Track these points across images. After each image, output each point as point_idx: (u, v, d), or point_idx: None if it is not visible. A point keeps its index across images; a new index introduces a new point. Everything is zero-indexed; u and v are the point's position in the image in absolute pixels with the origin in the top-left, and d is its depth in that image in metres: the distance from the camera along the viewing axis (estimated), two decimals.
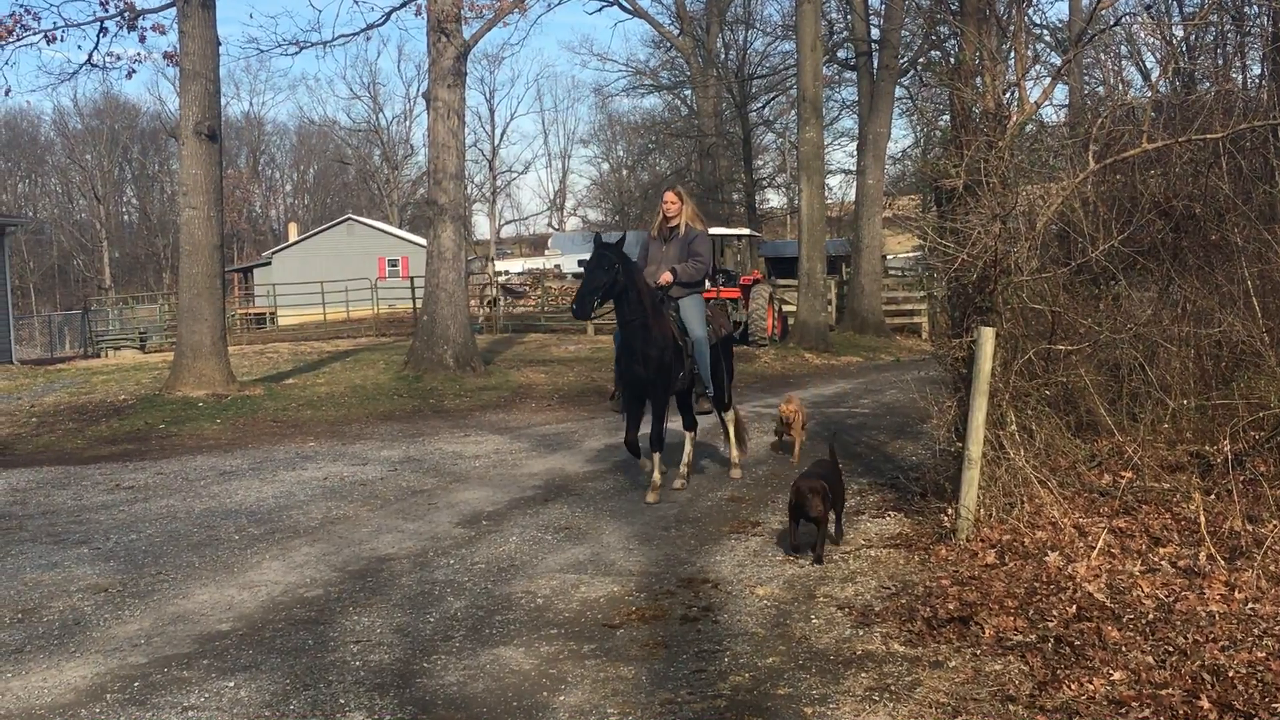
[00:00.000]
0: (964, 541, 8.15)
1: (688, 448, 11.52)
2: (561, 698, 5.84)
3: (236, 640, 6.93)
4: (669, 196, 11.23)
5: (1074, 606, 6.68)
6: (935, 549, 8.23)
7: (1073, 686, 5.63)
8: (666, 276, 10.78)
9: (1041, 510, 8.25)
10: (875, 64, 34.11)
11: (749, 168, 55.16)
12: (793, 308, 30.71)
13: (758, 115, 55.45)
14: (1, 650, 6.90)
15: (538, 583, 7.98)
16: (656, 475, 10.70)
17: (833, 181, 57.15)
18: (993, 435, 8.41)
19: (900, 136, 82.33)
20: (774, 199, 70.69)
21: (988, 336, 8.09)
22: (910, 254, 49.52)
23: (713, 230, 35.03)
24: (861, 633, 6.69)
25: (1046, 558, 7.54)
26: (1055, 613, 6.63)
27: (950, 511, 8.55)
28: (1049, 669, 5.88)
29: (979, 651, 6.24)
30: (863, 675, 6.01)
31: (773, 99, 54.53)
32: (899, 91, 37.13)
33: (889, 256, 47.46)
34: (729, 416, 11.86)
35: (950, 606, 6.88)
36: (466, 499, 11.02)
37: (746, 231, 35.85)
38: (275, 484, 12.18)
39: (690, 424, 11.56)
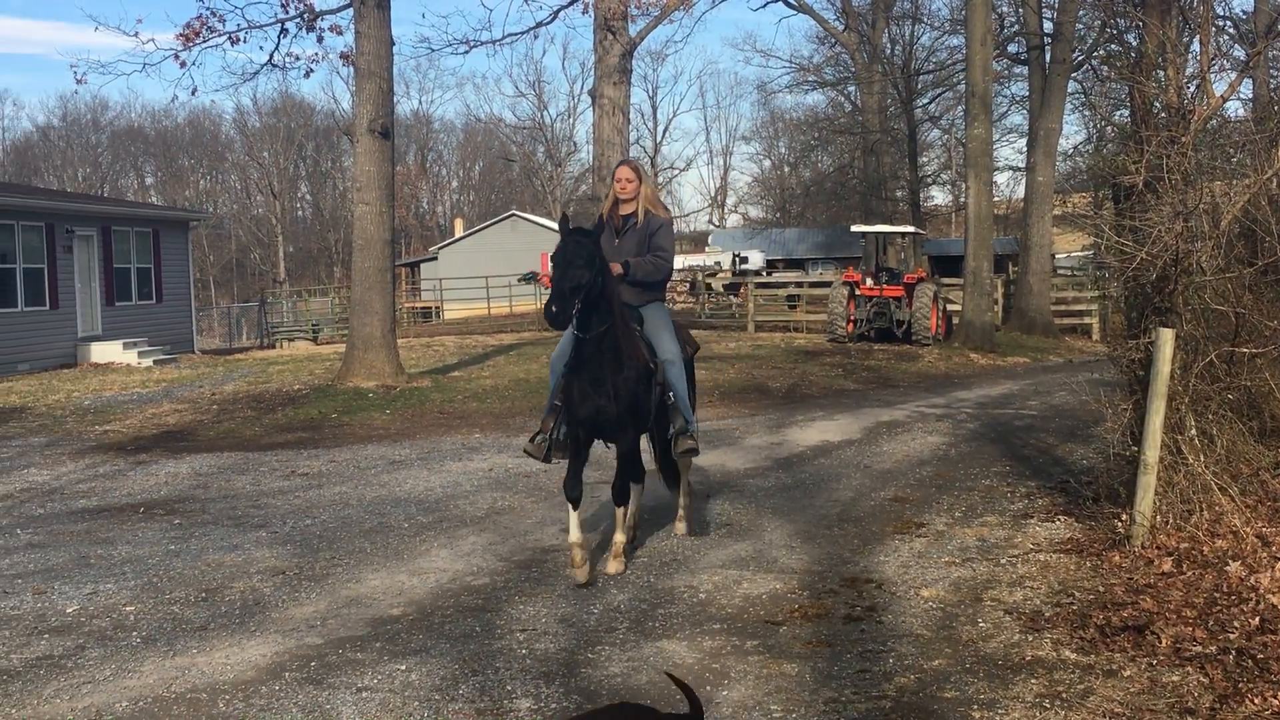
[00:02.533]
0: (1139, 548, 7.92)
1: (631, 506, 8.79)
2: (725, 693, 5.86)
3: (407, 625, 7.10)
4: (623, 173, 8.73)
5: (1257, 618, 6.43)
6: (1108, 555, 8.02)
7: (1255, 701, 5.43)
8: (614, 267, 8.13)
9: (1222, 518, 7.97)
10: (1048, 58, 33.28)
11: (913, 164, 54.35)
12: (957, 307, 30.19)
13: (923, 111, 54.58)
14: (187, 628, 7.20)
15: (699, 578, 8.01)
16: (620, 540, 8.38)
17: (1000, 178, 55.72)
18: (1170, 440, 8.15)
19: (1072, 132, 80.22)
20: (939, 196, 69.66)
21: (1167, 338, 7.85)
22: (1081, 253, 48.24)
23: (876, 228, 34.90)
24: (1031, 638, 6.56)
25: (1227, 567, 7.28)
26: (1237, 624, 6.40)
27: (1124, 517, 8.32)
28: (1230, 682, 5.69)
29: (1155, 661, 6.06)
30: (1032, 681, 5.89)
31: (939, 94, 53.59)
32: (1072, 86, 36.23)
33: (1058, 255, 46.28)
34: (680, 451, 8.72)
35: (1125, 614, 6.70)
36: None
37: (911, 229, 35.42)
38: (442, 474, 12.44)
39: (639, 475, 8.94)
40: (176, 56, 20.78)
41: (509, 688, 5.99)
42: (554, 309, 7.48)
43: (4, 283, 25.93)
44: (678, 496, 9.42)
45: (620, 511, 8.37)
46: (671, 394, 8.33)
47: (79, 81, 24.63)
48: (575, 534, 7.98)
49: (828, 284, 34.57)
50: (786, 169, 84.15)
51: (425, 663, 6.40)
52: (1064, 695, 5.69)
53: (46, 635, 7.11)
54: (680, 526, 9.33)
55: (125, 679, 6.29)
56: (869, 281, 29.62)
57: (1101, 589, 7.36)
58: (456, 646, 6.67)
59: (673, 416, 8.41)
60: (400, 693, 5.97)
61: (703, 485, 11.37)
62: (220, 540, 9.50)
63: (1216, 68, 10.35)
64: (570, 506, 8.07)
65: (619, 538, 8.37)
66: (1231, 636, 6.25)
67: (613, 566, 8.19)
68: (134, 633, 7.12)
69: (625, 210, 8.65)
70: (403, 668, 6.33)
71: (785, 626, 6.89)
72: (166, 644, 6.87)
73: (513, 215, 71.63)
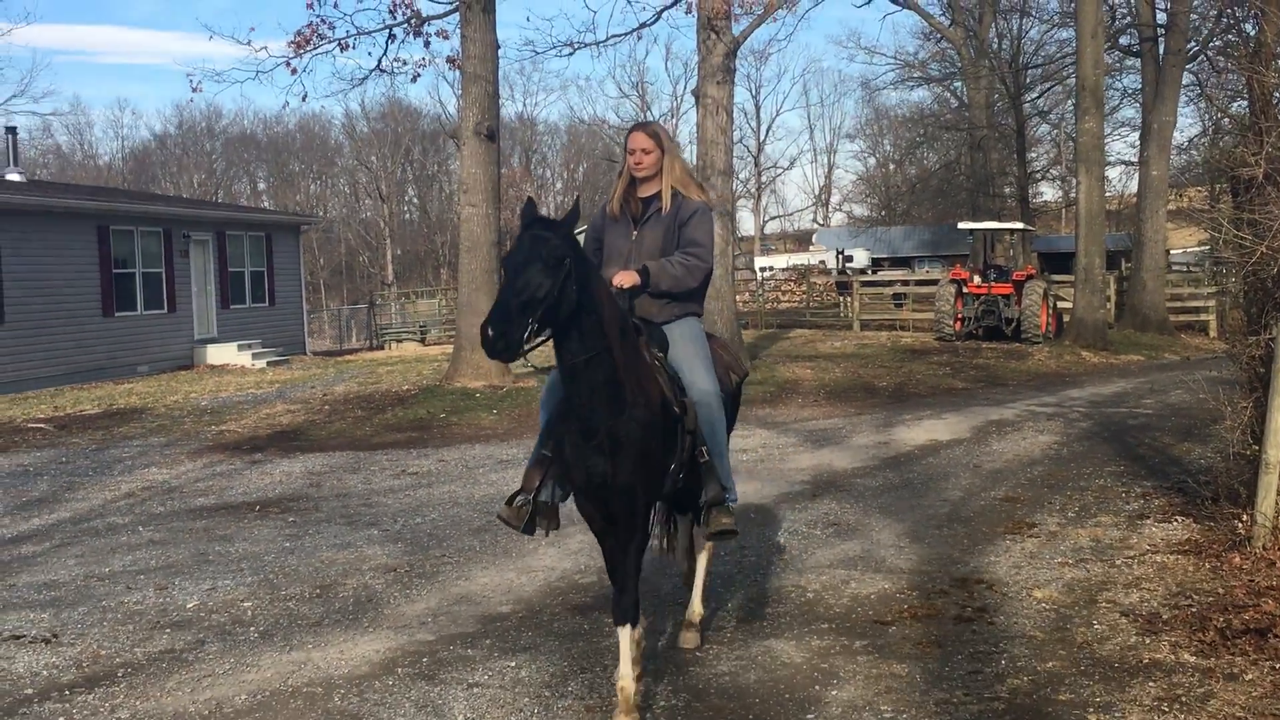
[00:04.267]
0: (1260, 549, 7.71)
1: (700, 574, 6.81)
2: (834, 692, 5.83)
3: (517, 622, 7.17)
4: (637, 140, 6.26)
5: None
6: (1228, 556, 7.82)
7: None
8: (624, 278, 5.92)
9: None
10: (1161, 50, 32.54)
11: (1022, 160, 53.54)
12: (1068, 304, 29.66)
13: (1032, 106, 53.73)
14: (303, 623, 7.34)
15: (807, 577, 7.97)
16: (626, 673, 5.51)
17: (1112, 174, 54.80)
18: None
19: (1187, 125, 78.33)
20: (1048, 192, 68.48)
21: None
22: (1197, 248, 47.17)
23: (984, 225, 34.40)
24: (1148, 640, 6.42)
25: None
26: None
27: (1245, 518, 8.10)
28: None
29: (1278, 665, 5.90)
30: (1150, 684, 5.77)
31: (1048, 89, 52.73)
32: (1186, 78, 35.35)
33: (1173, 251, 45.28)
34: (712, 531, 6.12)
35: (1246, 616, 6.53)
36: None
37: (1020, 226, 34.87)
38: None
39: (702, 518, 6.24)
40: (288, 64, 21.20)
41: (614, 691, 6.00)
42: (490, 332, 4.89)
43: (124, 287, 26.67)
44: (690, 594, 6.84)
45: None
46: (704, 449, 5.90)
47: (195, 90, 25.11)
48: (626, 668, 5.49)
49: (934, 282, 34.15)
50: (891, 166, 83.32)
51: (535, 659, 6.46)
52: (1183, 699, 5.56)
53: (168, 630, 7.30)
54: (690, 637, 6.59)
55: (243, 673, 6.44)
56: (977, 279, 29.22)
57: (1221, 591, 7.18)
58: (565, 644, 6.71)
59: (706, 480, 5.92)
60: (510, 689, 6.03)
61: (810, 484, 11.29)
62: (333, 538, 9.67)
63: None
64: (623, 629, 5.57)
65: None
66: None
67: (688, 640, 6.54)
68: (251, 628, 7.28)
69: (646, 192, 6.28)
70: (513, 664, 6.39)
71: (894, 627, 6.83)
72: (283, 639, 7.02)
73: None
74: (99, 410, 19.19)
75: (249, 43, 21.72)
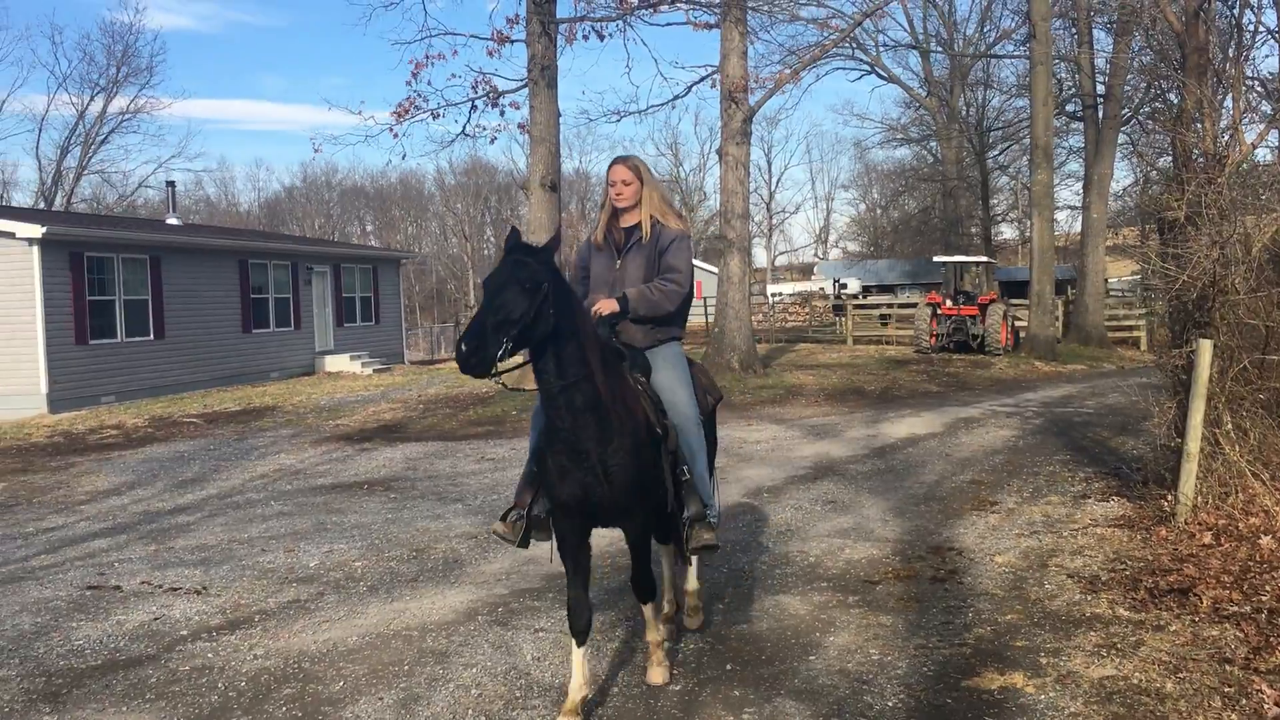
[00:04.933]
0: (1182, 524, 7.61)
1: (666, 575, 6.09)
2: (831, 638, 5.80)
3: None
4: (617, 173, 5.48)
5: None
6: (1156, 530, 7.72)
7: None
8: (604, 305, 5.23)
9: (1255, 499, 7.61)
10: (1100, 115, 32.21)
11: (986, 205, 53.07)
12: (1024, 323, 29.36)
13: (994, 161, 53.26)
14: (402, 579, 7.38)
15: (809, 544, 7.94)
16: (655, 635, 5.33)
17: (1060, 216, 54.10)
18: (1209, 433, 7.82)
19: (1121, 177, 77.07)
20: (1007, 231, 67.79)
21: (1206, 348, 7.55)
22: (1130, 277, 46.61)
23: (954, 258, 34.19)
24: (1090, 598, 6.36)
25: (1260, 540, 6.96)
26: (1268, 589, 6.12)
27: (1170, 498, 8.01)
28: (1262, 636, 5.44)
29: (1197, 619, 5.82)
30: (1091, 634, 5.71)
31: (1007, 147, 52.23)
32: (1121, 138, 34.94)
33: (1111, 280, 44.73)
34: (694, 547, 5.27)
35: (1170, 579, 6.45)
36: (750, 475, 11.05)
37: (984, 259, 34.73)
38: None
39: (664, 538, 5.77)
40: (391, 130, 21.29)
41: None
42: (464, 348, 4.25)
43: (259, 309, 26.90)
44: (661, 613, 5.67)
45: (649, 608, 5.29)
46: (685, 468, 5.19)
47: (316, 150, 25.44)
48: (579, 680, 4.91)
49: (914, 305, 33.93)
50: (878, 210, 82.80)
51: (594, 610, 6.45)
52: (1119, 646, 5.50)
53: (295, 584, 7.36)
54: (657, 673, 5.26)
55: (355, 619, 6.48)
56: (949, 302, 28.98)
57: (1150, 558, 7.09)
58: (614, 598, 6.71)
59: (687, 498, 5.20)
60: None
61: (812, 470, 11.24)
62: (426, 511, 9.70)
63: (1247, 120, 9.94)
64: (574, 641, 4.95)
65: (654, 637, 5.31)
66: (1263, 599, 5.99)
67: (656, 676, 5.25)
68: (361, 583, 7.32)
69: (627, 222, 5.52)
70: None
71: (881, 585, 6.79)
72: (386, 592, 7.06)
73: None
74: (239, 408, 19.36)
75: (360, 113, 22.09)
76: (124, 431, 16.79)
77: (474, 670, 5.50)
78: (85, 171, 54.04)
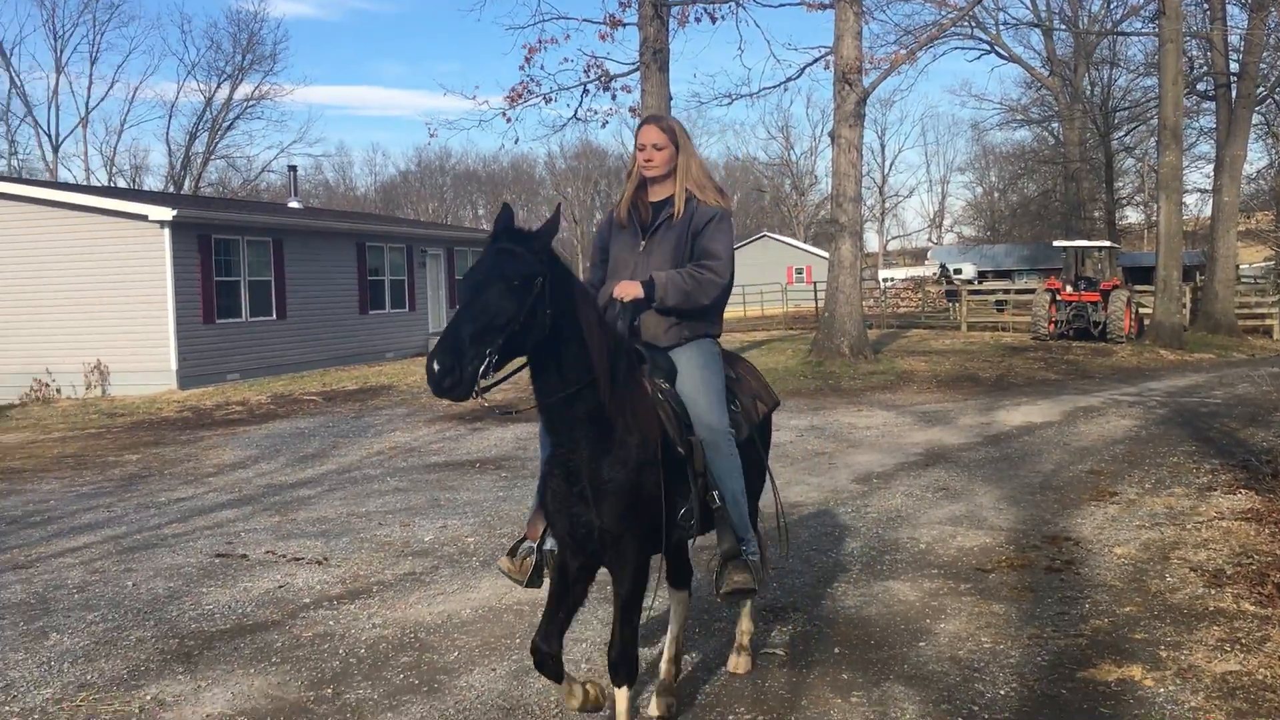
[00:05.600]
0: None
1: (675, 626, 5.00)
2: (942, 625, 5.75)
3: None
4: (648, 134, 4.51)
5: None
6: None
7: None
8: (626, 288, 4.33)
9: None
10: (1233, 94, 30.97)
11: (1109, 189, 51.38)
12: (1148, 310, 28.45)
13: (1119, 143, 51.51)
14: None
15: (920, 531, 7.86)
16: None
17: (1189, 199, 52.19)
18: None
19: (1256, 158, 74.05)
20: (1132, 215, 65.72)
21: None
22: (1263, 263, 44.70)
23: (1076, 243, 33.23)
24: (1213, 592, 6.17)
25: None
26: None
27: None
28: None
29: None
30: (1214, 628, 5.55)
31: (1134, 128, 50.47)
32: (1255, 118, 33.60)
33: (1242, 266, 42.99)
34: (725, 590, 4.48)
35: None
36: (860, 461, 10.97)
37: (1107, 244, 33.66)
38: None
39: (683, 580, 5.07)
40: (504, 114, 21.58)
41: (763, 614, 6.03)
42: (435, 367, 3.48)
43: (377, 291, 27.60)
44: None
45: (621, 695, 4.20)
46: (716, 493, 4.28)
47: (431, 135, 25.95)
48: None
49: (1032, 291, 33.15)
50: (996, 194, 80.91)
51: (695, 592, 6.48)
52: (1243, 641, 5.34)
53: (410, 557, 7.57)
54: (655, 708, 4.61)
55: (468, 592, 6.65)
56: (1069, 288, 28.24)
57: (1279, 552, 6.85)
58: (708, 575, 6.74)
59: (719, 530, 4.36)
60: (665, 614, 6.08)
61: (923, 456, 11.09)
62: (536, 490, 9.86)
63: None
64: (620, 689, 4.19)
65: None
66: None
67: None
68: (474, 558, 7.50)
69: (657, 195, 4.54)
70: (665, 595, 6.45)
71: (994, 574, 6.70)
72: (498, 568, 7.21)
73: (764, 236, 71.49)
74: (356, 387, 19.91)
75: (474, 98, 22.43)
76: (248, 407, 17.42)
77: (584, 645, 5.60)
78: (212, 156, 56.01)
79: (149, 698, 5.06)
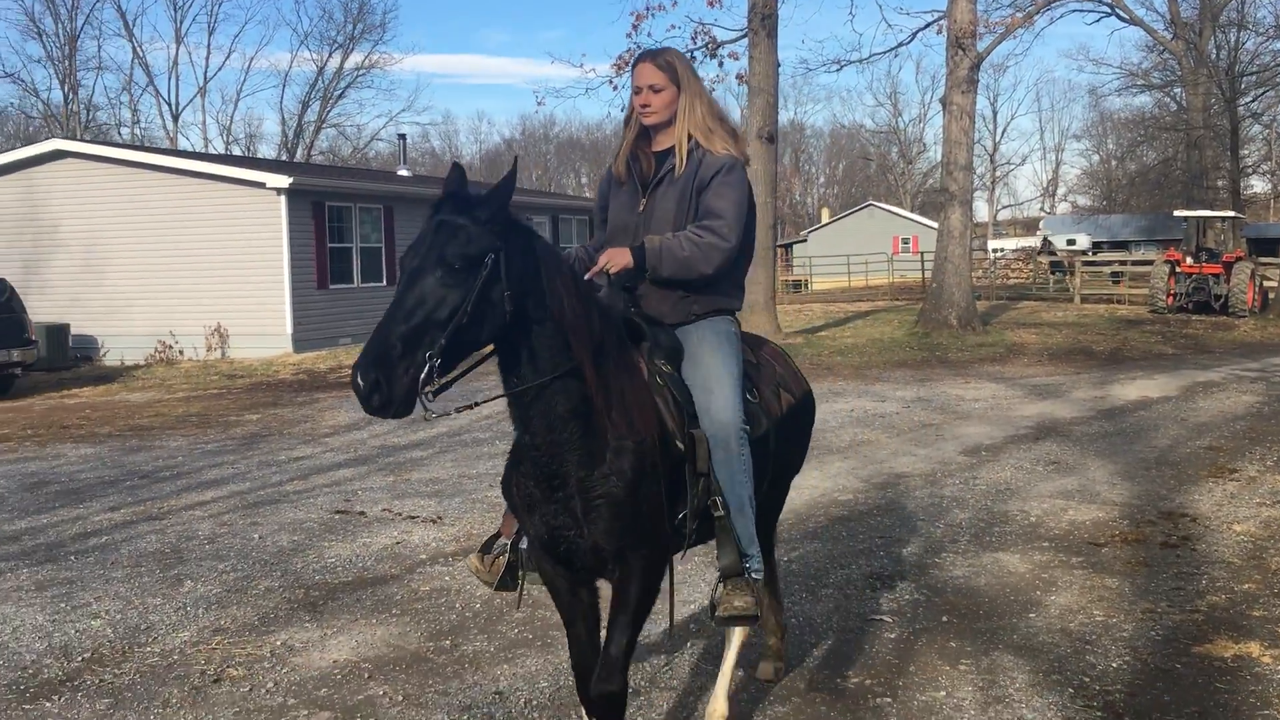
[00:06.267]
0: None
1: (733, 649, 4.28)
2: (1052, 597, 5.72)
3: (788, 527, 7.27)
4: (646, 73, 3.77)
5: None
6: None
7: None
8: (612, 257, 3.62)
9: None
10: None
11: (1235, 156, 49.41)
12: (1273, 284, 27.43)
13: (1246, 109, 49.49)
14: None
15: (1030, 504, 7.79)
16: None
17: None
18: None
19: None
20: (1258, 185, 63.13)
21: None
22: None
23: (1198, 213, 32.08)
24: None
25: None
26: None
27: None
28: None
29: None
30: None
31: (1262, 93, 48.45)
32: None
33: None
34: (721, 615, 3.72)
35: None
36: (968, 433, 10.87)
37: (1230, 214, 32.51)
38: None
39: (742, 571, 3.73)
40: (610, 82, 21.74)
41: (870, 582, 6.08)
42: (361, 383, 2.86)
43: None
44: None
45: None
46: (718, 500, 3.55)
47: (539, 103, 26.01)
48: None
49: (1149, 263, 32.18)
50: (1113, 162, 78.38)
51: (804, 558, 6.58)
52: None
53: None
54: (768, 668, 4.53)
55: None
56: (1189, 260, 27.38)
57: None
58: (827, 546, 6.81)
59: (719, 543, 3.64)
60: (783, 578, 6.15)
61: (1034, 429, 10.93)
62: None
63: None
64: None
65: None
66: None
67: None
68: None
69: (661, 145, 3.83)
70: (787, 559, 6.53)
71: (1107, 548, 6.62)
72: None
73: (869, 205, 70.52)
74: None
75: (581, 65, 22.47)
76: None
77: (692, 607, 5.72)
78: (323, 125, 57.34)
79: (279, 643, 5.34)
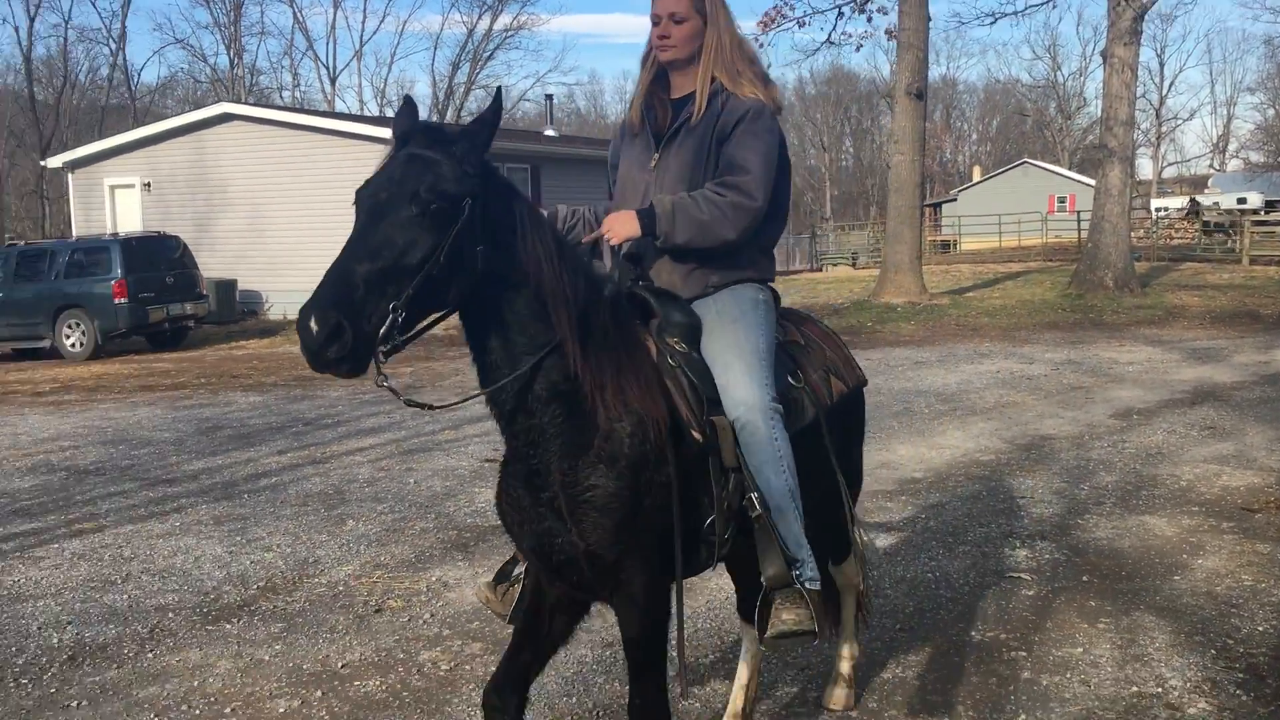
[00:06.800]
0: None
1: (743, 676, 3.75)
2: (1200, 561, 5.63)
3: (927, 486, 7.32)
4: (665, 2, 3.14)
5: None
6: None
7: None
8: (615, 224, 3.09)
9: None
10: None
11: None
12: None
13: None
14: None
15: (1181, 469, 7.61)
16: None
17: None
18: None
19: None
20: None
21: None
22: None
23: None
24: None
25: None
26: None
27: None
28: None
29: None
30: None
31: None
32: None
33: None
34: (847, 575, 3.87)
35: None
36: (1119, 396, 10.61)
37: None
38: (957, 373, 12.43)
39: (841, 554, 3.79)
40: (756, 39, 21.60)
41: (1009, 540, 6.07)
42: (314, 326, 2.40)
43: None
44: None
45: None
46: (755, 495, 2.97)
47: None
48: None
49: None
50: None
51: (940, 514, 6.60)
52: None
53: None
54: (838, 696, 3.98)
55: None
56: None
57: None
58: (966, 504, 6.81)
59: (761, 549, 3.02)
60: (920, 534, 6.23)
61: (1190, 393, 10.60)
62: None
63: None
64: None
65: None
66: None
67: None
68: None
69: (681, 90, 3.26)
70: (923, 515, 6.57)
71: (1260, 514, 6.44)
72: None
73: (1024, 163, 68.20)
74: None
75: None
76: None
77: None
78: (473, 87, 58.40)
79: (434, 579, 5.67)
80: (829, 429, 3.33)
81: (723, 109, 3.13)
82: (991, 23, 22.81)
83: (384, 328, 2.44)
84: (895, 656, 4.53)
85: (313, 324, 2.39)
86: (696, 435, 2.91)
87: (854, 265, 39.49)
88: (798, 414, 3.20)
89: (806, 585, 3.05)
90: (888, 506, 6.81)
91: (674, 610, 2.92)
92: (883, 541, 6.09)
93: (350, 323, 2.40)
